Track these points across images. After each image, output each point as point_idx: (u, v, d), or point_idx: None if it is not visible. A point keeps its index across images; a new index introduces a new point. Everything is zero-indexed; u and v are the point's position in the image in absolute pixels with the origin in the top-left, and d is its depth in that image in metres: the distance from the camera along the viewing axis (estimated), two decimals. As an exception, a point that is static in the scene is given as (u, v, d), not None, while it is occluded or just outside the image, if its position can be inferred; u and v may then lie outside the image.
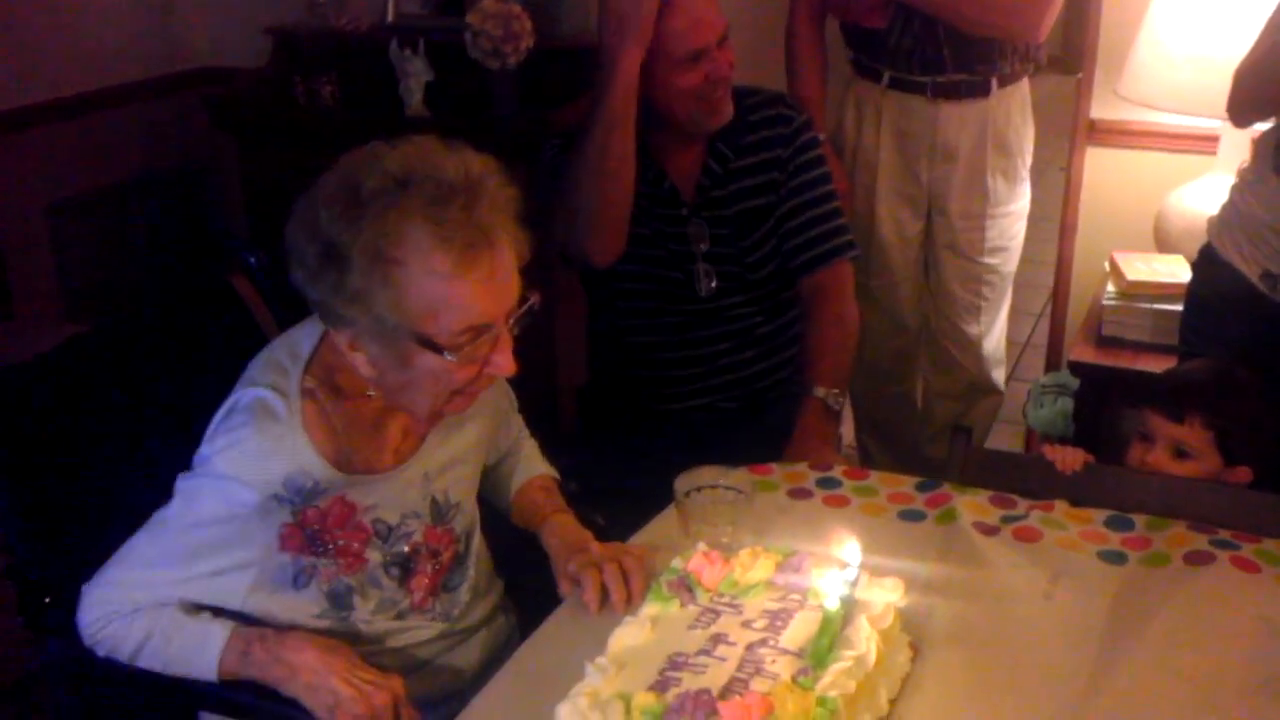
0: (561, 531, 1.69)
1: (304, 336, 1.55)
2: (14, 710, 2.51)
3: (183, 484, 1.50)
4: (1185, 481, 1.87)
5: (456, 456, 1.65)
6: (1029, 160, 2.86)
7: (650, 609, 1.40)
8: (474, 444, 1.69)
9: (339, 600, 1.55)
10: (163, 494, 1.52)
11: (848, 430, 3.11)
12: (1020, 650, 1.48)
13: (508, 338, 1.46)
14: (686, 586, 1.43)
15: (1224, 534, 1.69)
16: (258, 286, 1.89)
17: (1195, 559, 1.64)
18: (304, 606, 1.54)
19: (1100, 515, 1.75)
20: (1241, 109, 2.20)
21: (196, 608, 1.50)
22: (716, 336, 2.28)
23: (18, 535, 1.56)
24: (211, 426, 1.51)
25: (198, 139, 3.63)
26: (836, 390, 2.13)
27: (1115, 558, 1.66)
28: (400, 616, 1.61)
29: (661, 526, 1.72)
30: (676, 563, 1.47)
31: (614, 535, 1.73)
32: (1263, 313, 2.16)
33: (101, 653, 1.50)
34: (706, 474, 1.67)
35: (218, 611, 1.51)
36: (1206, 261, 2.33)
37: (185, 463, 1.51)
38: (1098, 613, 1.54)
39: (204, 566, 1.49)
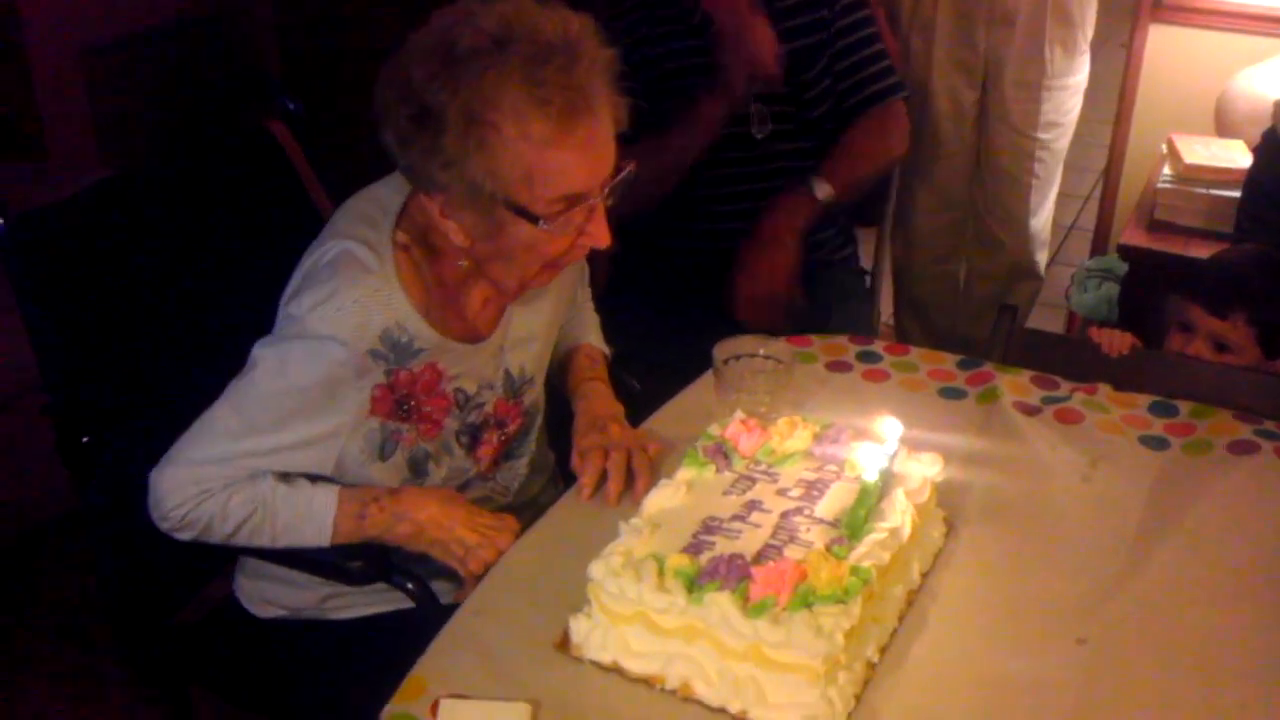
0: (590, 401, 1.67)
1: (390, 191, 1.49)
2: (50, 550, 2.56)
3: (266, 349, 1.42)
4: (1232, 370, 1.84)
5: (532, 332, 1.62)
6: (1090, 33, 2.75)
7: (685, 473, 1.39)
8: (549, 321, 1.65)
9: (417, 467, 1.54)
10: (201, 335, 1.50)
11: (886, 307, 3.07)
12: (1055, 531, 1.47)
13: (603, 208, 1.41)
14: (722, 453, 1.42)
15: (1269, 424, 1.66)
16: (296, 133, 1.84)
17: (1239, 448, 1.61)
18: (387, 476, 1.52)
19: (1144, 400, 1.72)
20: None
21: (291, 477, 1.45)
22: (770, 189, 2.23)
23: (55, 374, 1.56)
24: (294, 284, 1.46)
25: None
26: (830, 188, 2.15)
27: (1157, 443, 1.63)
28: (466, 486, 1.60)
29: (698, 393, 1.70)
30: (713, 429, 1.46)
31: (650, 401, 1.72)
32: (1326, 201, 2.10)
33: (187, 536, 1.44)
34: (745, 343, 1.64)
35: (312, 479, 1.47)
36: (1270, 147, 2.27)
37: (222, 304, 1.48)
38: (1136, 497, 1.52)
39: (294, 435, 1.43)
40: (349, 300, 1.40)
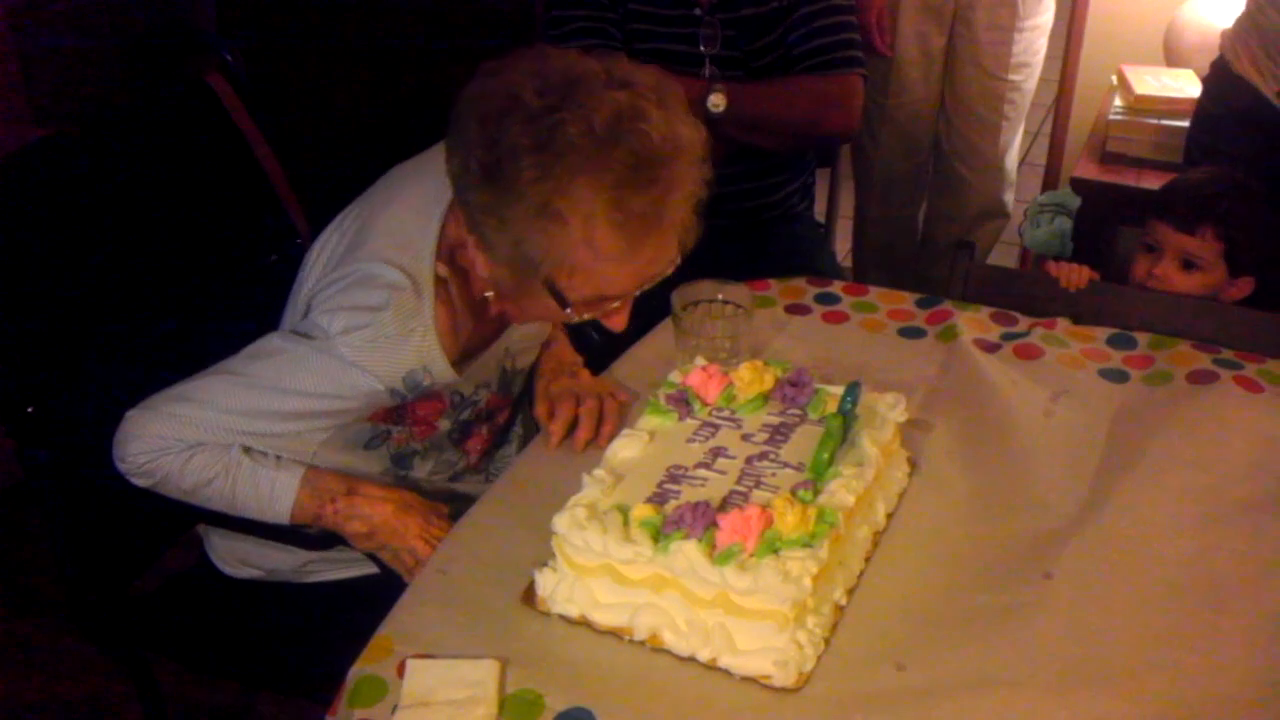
0: (554, 347, 1.65)
1: (436, 190, 1.40)
2: (2, 522, 2.50)
3: (286, 345, 1.40)
4: (1190, 300, 1.84)
5: (534, 331, 1.59)
6: None
7: (647, 422, 1.37)
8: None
9: (402, 462, 1.54)
10: (144, 300, 1.45)
11: (842, 247, 3.06)
12: (1019, 467, 1.47)
13: (629, 303, 1.36)
14: (684, 400, 1.40)
15: (1227, 353, 1.67)
16: (236, 85, 1.79)
17: (1198, 378, 1.62)
18: (367, 465, 1.51)
19: (1102, 333, 1.72)
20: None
21: (256, 453, 1.43)
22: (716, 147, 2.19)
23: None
24: (326, 290, 1.40)
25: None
26: (724, 100, 2.03)
27: (1117, 376, 1.64)
28: (455, 477, 1.59)
29: (657, 341, 1.68)
30: (674, 376, 1.44)
31: (608, 351, 1.69)
32: (1276, 130, 2.10)
33: (141, 482, 1.43)
34: (704, 288, 1.62)
35: (279, 458, 1.45)
36: (1219, 76, 2.26)
37: (165, 267, 1.43)
38: (1098, 431, 1.53)
39: (287, 427, 1.42)
40: (382, 337, 1.36)
